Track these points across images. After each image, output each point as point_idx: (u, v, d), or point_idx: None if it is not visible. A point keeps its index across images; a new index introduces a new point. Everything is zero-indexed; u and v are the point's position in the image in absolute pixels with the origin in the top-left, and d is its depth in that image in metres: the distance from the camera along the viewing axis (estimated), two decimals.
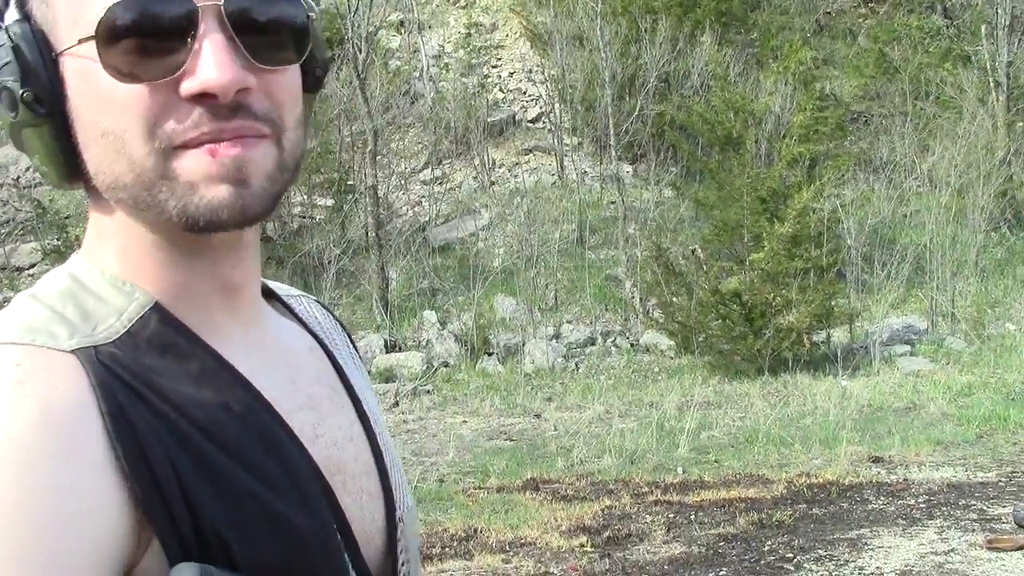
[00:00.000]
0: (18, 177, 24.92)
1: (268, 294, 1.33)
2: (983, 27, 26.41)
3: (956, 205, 21.57)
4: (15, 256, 22.32)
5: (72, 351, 1.02)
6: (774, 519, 9.19)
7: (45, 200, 22.16)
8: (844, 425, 13.10)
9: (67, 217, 21.52)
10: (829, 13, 32.09)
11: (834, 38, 31.05)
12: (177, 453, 1.01)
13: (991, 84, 25.45)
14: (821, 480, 10.56)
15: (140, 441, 0.99)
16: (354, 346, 1.48)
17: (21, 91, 1.05)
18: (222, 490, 1.03)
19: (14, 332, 1.04)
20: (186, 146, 1.03)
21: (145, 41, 1.01)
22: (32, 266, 21.83)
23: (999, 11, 25.98)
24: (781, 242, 18.01)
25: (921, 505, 9.50)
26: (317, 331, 1.37)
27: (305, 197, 23.93)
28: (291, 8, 1.10)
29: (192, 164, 1.04)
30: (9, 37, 1.06)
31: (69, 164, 1.09)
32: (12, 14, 1.09)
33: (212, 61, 1.01)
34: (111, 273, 1.14)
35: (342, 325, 1.48)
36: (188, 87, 1.01)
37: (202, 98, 1.02)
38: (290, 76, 1.11)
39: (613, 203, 23.77)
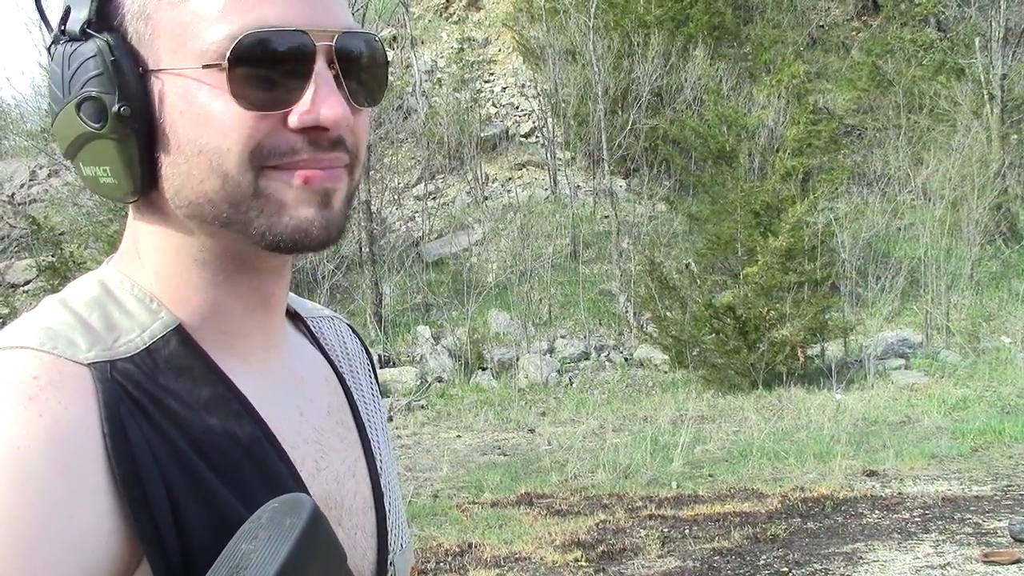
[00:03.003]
0: (13, 194, 24.93)
1: (294, 315, 1.35)
2: (977, 39, 26.44)
3: (950, 218, 21.57)
4: (10, 273, 22.29)
5: (88, 364, 1.04)
6: (769, 533, 9.14)
7: (40, 217, 22.12)
8: (839, 439, 13.06)
9: (62, 234, 21.50)
10: (822, 26, 32.13)
11: (827, 51, 31.07)
12: (175, 474, 1.03)
13: (985, 97, 25.46)
14: (816, 494, 10.52)
15: (138, 462, 1.00)
16: (375, 375, 1.50)
17: (118, 105, 1.06)
18: (215, 516, 1.04)
19: (37, 337, 1.06)
20: (278, 168, 1.09)
21: (268, 72, 1.07)
22: (27, 283, 21.80)
23: (993, 23, 26.00)
24: (775, 256, 17.98)
25: (916, 519, 9.45)
26: (337, 360, 1.38)
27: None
28: (380, 54, 1.17)
29: (283, 187, 1.09)
30: (109, 50, 1.07)
31: (143, 177, 1.10)
32: (82, 24, 1.09)
33: (329, 99, 1.09)
34: (140, 288, 1.15)
35: (368, 353, 1.50)
36: (304, 119, 1.08)
37: (311, 130, 1.09)
38: (367, 115, 1.18)
39: (606, 217, 23.78)
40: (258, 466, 1.11)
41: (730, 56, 27.72)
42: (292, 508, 1.01)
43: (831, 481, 11.05)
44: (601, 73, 23.95)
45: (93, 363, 1.04)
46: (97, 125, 1.07)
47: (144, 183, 1.10)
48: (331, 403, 1.30)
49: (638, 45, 25.89)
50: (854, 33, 31.89)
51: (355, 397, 1.36)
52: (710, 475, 11.93)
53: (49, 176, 25.62)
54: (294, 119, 1.08)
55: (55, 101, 1.10)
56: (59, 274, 19.02)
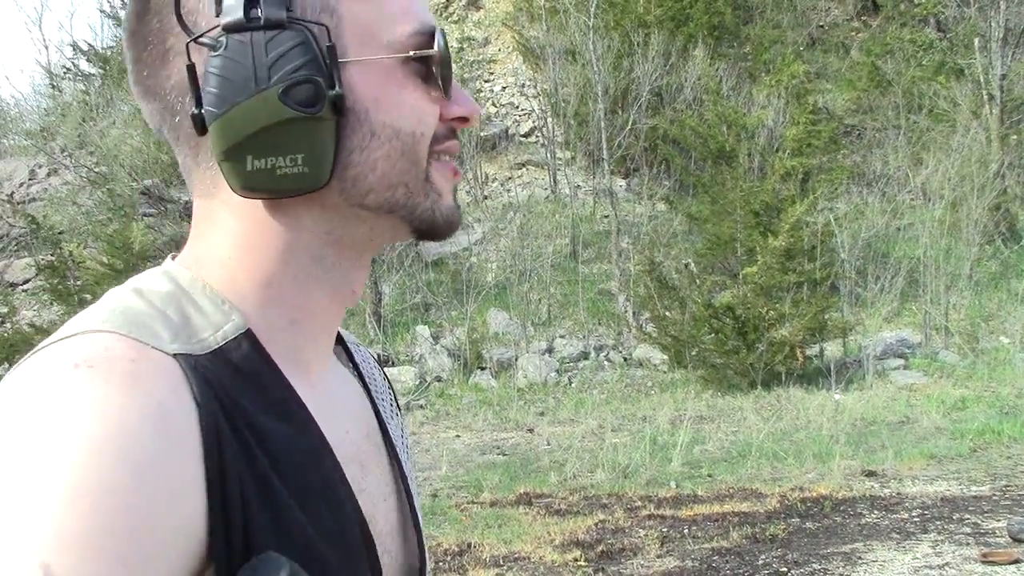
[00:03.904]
0: (12, 193, 24.90)
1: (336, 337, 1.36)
2: (976, 40, 26.42)
3: (950, 218, 21.57)
4: (9, 272, 22.28)
5: (174, 355, 1.03)
6: (768, 533, 9.14)
7: (39, 216, 22.12)
8: (837, 439, 13.06)
9: (61, 233, 21.49)
10: (822, 27, 32.12)
11: (827, 52, 31.07)
12: (247, 478, 1.02)
13: (985, 97, 25.45)
14: (815, 494, 10.52)
15: (224, 460, 1.01)
16: (397, 404, 1.50)
17: (334, 91, 1.10)
18: (277, 523, 1.03)
19: (119, 323, 1.04)
20: (438, 157, 1.20)
21: (441, 67, 1.18)
22: (26, 282, 21.80)
23: (992, 24, 25.99)
24: (774, 256, 17.98)
25: (915, 519, 9.45)
26: (371, 385, 1.40)
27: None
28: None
29: (441, 176, 1.21)
30: (327, 36, 1.12)
31: (331, 163, 1.13)
32: (285, 13, 1.11)
33: (465, 94, 1.22)
34: (211, 289, 1.15)
35: (388, 382, 1.51)
36: (458, 110, 1.21)
37: (456, 120, 1.21)
38: None
39: (606, 217, 23.78)
40: (320, 478, 1.12)
41: (730, 56, 27.73)
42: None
43: (830, 481, 11.05)
44: (601, 73, 23.93)
45: (178, 354, 1.04)
46: (312, 109, 1.09)
47: (330, 169, 1.13)
48: (369, 426, 1.32)
49: (638, 45, 25.88)
50: (854, 33, 31.88)
51: (385, 422, 1.37)
52: (709, 475, 11.93)
53: (48, 175, 25.59)
54: (457, 109, 1.20)
55: (234, 92, 1.08)
56: (58, 273, 19.03)
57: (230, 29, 1.07)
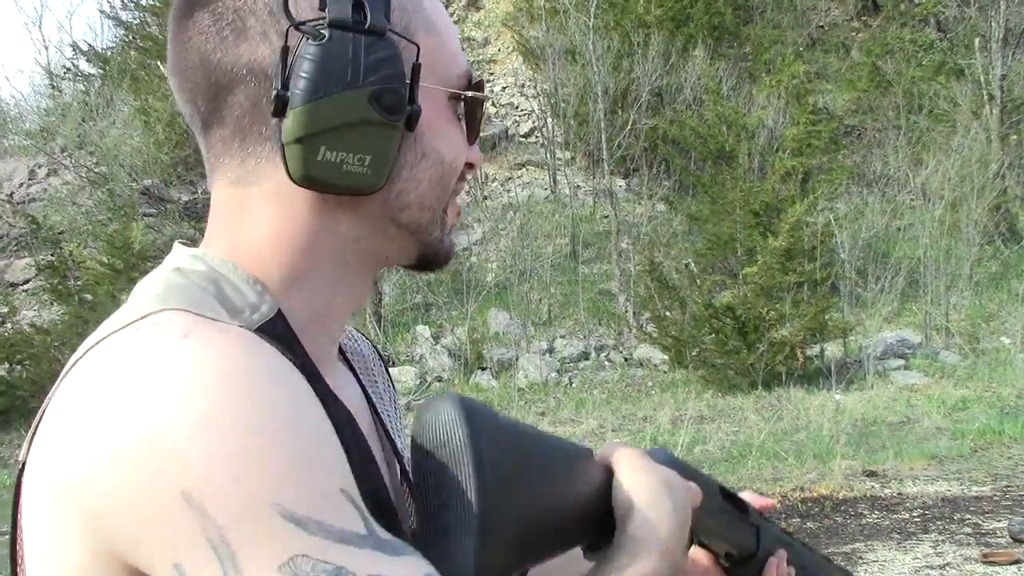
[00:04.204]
0: (12, 193, 24.90)
1: None
2: (977, 40, 26.38)
3: (950, 219, 21.53)
4: (9, 272, 22.28)
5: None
6: None
7: (39, 216, 22.13)
8: (838, 439, 13.05)
9: (61, 233, 21.49)
10: (822, 27, 32.09)
11: (827, 52, 31.03)
12: None
13: (985, 97, 25.42)
14: (815, 494, 10.52)
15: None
16: (390, 378, 1.57)
17: (412, 107, 1.18)
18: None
19: (183, 300, 1.09)
20: (454, 192, 1.30)
21: (475, 112, 1.31)
22: (26, 282, 21.79)
23: (993, 24, 25.96)
24: (774, 256, 17.96)
25: (916, 519, 9.45)
26: (364, 380, 1.45)
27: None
28: None
29: (451, 210, 1.30)
30: (417, 55, 1.19)
31: (389, 172, 1.19)
32: (387, 24, 1.18)
33: (476, 144, 1.34)
34: (245, 270, 1.19)
35: (379, 354, 1.56)
36: (473, 156, 1.32)
37: (469, 167, 1.32)
38: None
39: (606, 217, 23.75)
40: (359, 451, 1.17)
41: (730, 56, 27.70)
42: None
43: (830, 481, 11.04)
44: (601, 73, 23.90)
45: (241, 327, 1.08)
46: (394, 118, 1.16)
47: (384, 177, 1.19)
48: (370, 423, 1.36)
49: (638, 45, 25.85)
50: (854, 33, 31.85)
51: (379, 411, 1.42)
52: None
53: (48, 175, 25.59)
54: (472, 154, 1.31)
55: (327, 83, 1.12)
56: (58, 273, 19.02)
57: (335, 25, 1.13)
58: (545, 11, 27.42)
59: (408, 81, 1.17)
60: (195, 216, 22.61)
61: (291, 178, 1.14)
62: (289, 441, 0.96)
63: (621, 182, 25.99)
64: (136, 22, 29.92)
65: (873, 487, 10.84)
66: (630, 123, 25.01)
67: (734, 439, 13.79)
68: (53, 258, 19.24)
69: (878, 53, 28.66)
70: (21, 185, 25.24)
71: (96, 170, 24.10)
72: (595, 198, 25.54)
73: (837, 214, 20.87)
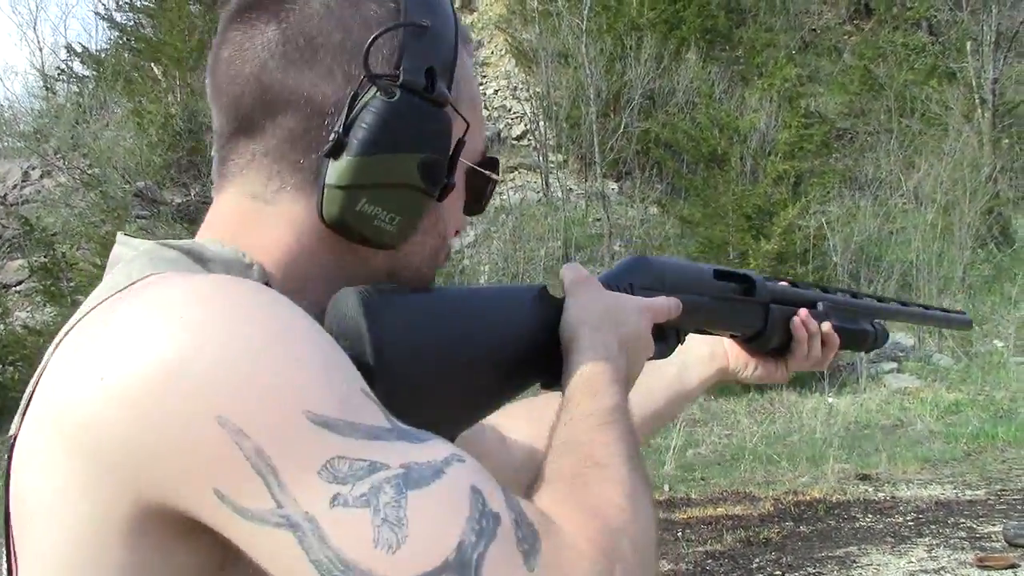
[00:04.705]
0: (5, 195, 24.84)
1: None
2: (968, 44, 26.45)
3: (942, 222, 21.56)
4: (2, 273, 22.23)
5: None
6: (761, 537, 9.14)
7: (33, 218, 22.07)
8: (831, 443, 13.07)
9: (54, 235, 21.42)
10: (814, 30, 32.12)
11: (819, 55, 31.06)
12: None
13: (977, 101, 25.48)
14: (808, 498, 10.52)
15: None
16: None
17: (448, 181, 1.22)
18: None
19: (183, 265, 1.14)
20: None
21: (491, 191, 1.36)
22: (19, 283, 21.73)
23: (985, 28, 26.01)
24: (767, 259, 17.98)
25: (909, 523, 9.45)
26: None
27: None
28: None
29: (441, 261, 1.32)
30: (464, 132, 1.24)
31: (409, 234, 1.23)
32: (448, 98, 1.22)
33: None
34: (231, 245, 1.21)
35: None
36: (461, 225, 1.35)
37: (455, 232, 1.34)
38: None
39: (599, 220, 23.75)
40: None
41: (722, 59, 27.69)
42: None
43: (824, 485, 11.05)
44: (593, 76, 23.92)
45: None
46: (433, 189, 1.20)
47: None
48: None
49: (630, 48, 25.83)
50: (846, 37, 31.89)
51: None
52: (702, 478, 11.92)
53: (42, 177, 25.53)
54: (459, 226, 1.34)
55: (387, 141, 1.16)
56: (51, 275, 18.98)
57: (407, 87, 1.16)
58: (538, 14, 27.41)
59: (451, 155, 1.22)
60: (188, 218, 22.58)
61: (321, 216, 1.17)
62: (308, 351, 0.99)
63: (613, 185, 25.97)
64: (130, 24, 29.85)
65: (866, 491, 10.85)
66: (622, 126, 25.01)
67: (727, 442, 13.80)
68: (46, 260, 19.21)
69: (870, 56, 28.70)
70: (15, 187, 25.17)
71: (89, 172, 24.04)
72: (587, 201, 25.52)
73: (829, 217, 20.90)
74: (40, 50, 61.27)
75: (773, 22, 30.65)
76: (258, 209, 1.22)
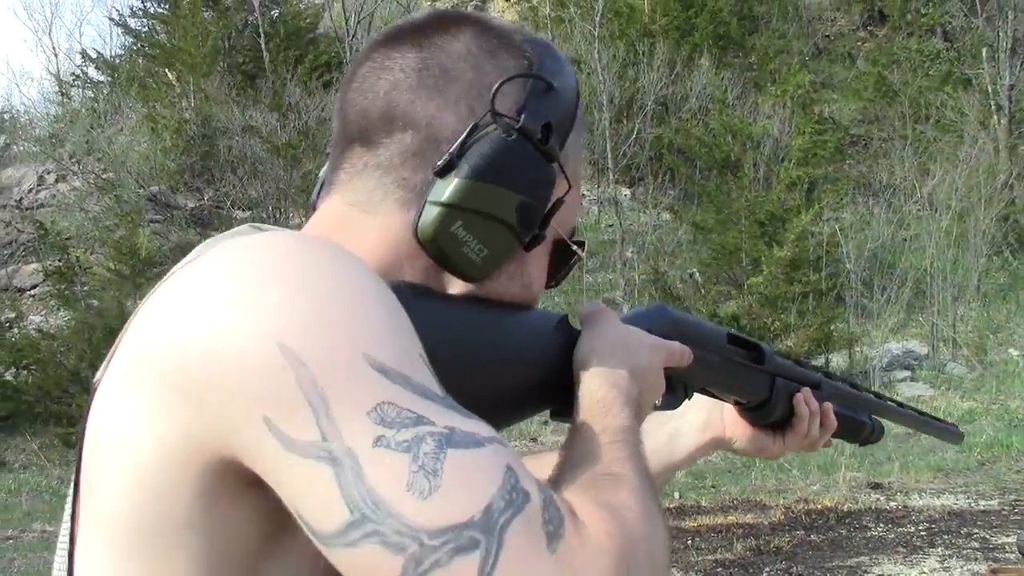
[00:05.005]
0: (20, 199, 24.94)
1: None
2: (984, 50, 26.37)
3: (957, 229, 21.48)
4: (17, 277, 22.30)
5: None
6: (772, 545, 9.10)
7: (47, 222, 22.13)
8: (843, 451, 13.01)
9: (68, 239, 21.47)
10: (828, 36, 32.09)
11: (833, 61, 31.03)
12: None
13: (992, 107, 25.41)
14: (820, 506, 10.49)
15: None
16: None
17: (539, 231, 1.28)
18: None
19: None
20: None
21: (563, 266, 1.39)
22: (34, 287, 21.80)
23: (1000, 34, 25.94)
24: (779, 266, 17.94)
25: (922, 533, 9.41)
26: None
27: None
28: None
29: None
30: (564, 192, 1.31)
31: (492, 272, 1.27)
32: (556, 155, 1.28)
33: None
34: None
35: None
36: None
37: None
38: None
39: (611, 226, 23.72)
40: None
41: (735, 65, 27.67)
42: None
43: (835, 493, 11.01)
44: (606, 82, 23.88)
45: None
46: (525, 233, 1.25)
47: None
48: None
49: (643, 54, 25.82)
50: (860, 43, 31.83)
51: None
52: (713, 486, 11.90)
53: (57, 181, 25.61)
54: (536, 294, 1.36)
55: (493, 172, 1.21)
56: (65, 278, 19.02)
57: (524, 132, 1.22)
58: (550, 20, 27.44)
59: (547, 209, 1.27)
60: (201, 223, 22.62)
61: (415, 231, 1.22)
62: (376, 304, 1.03)
63: (626, 191, 25.97)
64: (144, 30, 29.95)
65: (878, 500, 10.81)
66: (635, 132, 24.99)
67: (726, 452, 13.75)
68: (60, 264, 19.26)
69: (884, 63, 28.64)
70: (30, 191, 25.26)
71: (104, 176, 24.13)
72: (600, 207, 25.52)
73: (843, 224, 20.87)
74: (55, 56, 61.36)
75: (786, 28, 30.63)
76: (357, 217, 1.26)
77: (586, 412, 1.24)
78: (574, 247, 1.36)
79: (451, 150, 1.20)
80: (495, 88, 1.21)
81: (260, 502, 1.03)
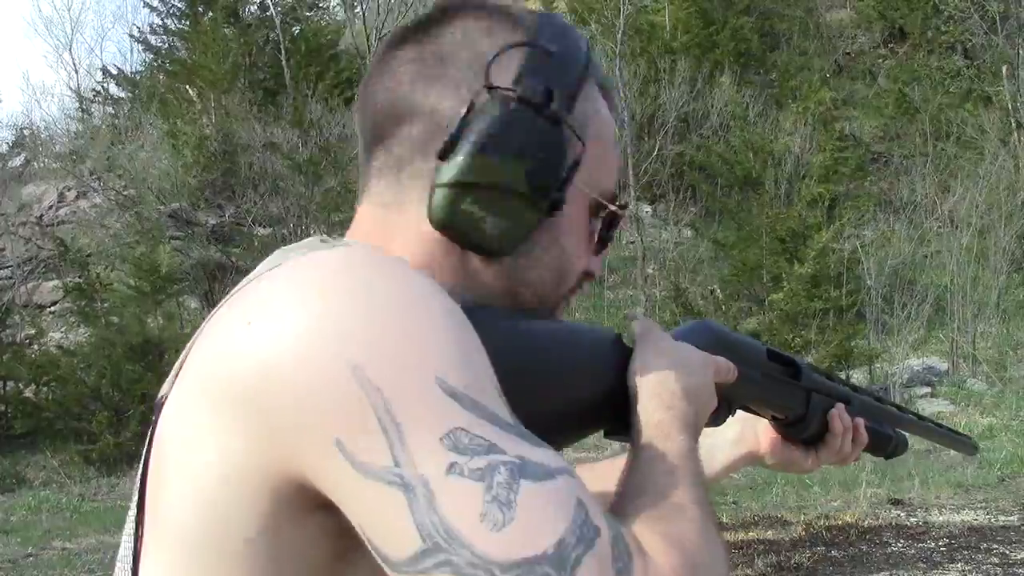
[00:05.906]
0: (41, 215, 25.01)
1: None
2: (1004, 67, 26.33)
3: (977, 246, 21.42)
4: (37, 294, 22.35)
5: None
6: (793, 561, 9.08)
7: (67, 238, 22.20)
8: (863, 467, 12.97)
9: (89, 255, 21.52)
10: (848, 54, 32.08)
11: (854, 79, 31.01)
12: None
13: (1013, 124, 25.35)
14: (840, 522, 10.45)
15: None
16: None
17: (558, 194, 1.24)
18: None
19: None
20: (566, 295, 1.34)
21: (610, 229, 1.36)
22: (54, 303, 21.84)
23: (1020, 51, 25.92)
24: (800, 283, 17.93)
25: (942, 548, 9.38)
26: None
27: (326, 235, 23.93)
28: None
29: (559, 310, 1.35)
30: (580, 154, 1.26)
31: (518, 244, 1.25)
32: (570, 123, 1.25)
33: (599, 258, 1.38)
34: None
35: None
36: (595, 266, 1.36)
37: (587, 275, 1.36)
38: None
39: (632, 243, 23.72)
40: None
41: (756, 83, 27.69)
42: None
43: (856, 509, 10.98)
44: (627, 99, 23.91)
45: None
46: (540, 198, 1.22)
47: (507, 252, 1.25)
48: None
49: (664, 71, 25.87)
50: (881, 60, 31.81)
51: None
52: (734, 502, 11.87)
53: (77, 198, 25.67)
54: (595, 264, 1.35)
55: (495, 144, 1.19)
56: (85, 295, 19.04)
57: (523, 101, 1.20)
58: None
59: (564, 173, 1.23)
60: (222, 240, 22.66)
61: (430, 219, 1.21)
62: (451, 330, 1.03)
63: (647, 208, 25.97)
64: (165, 47, 30.11)
65: (898, 515, 10.78)
66: (657, 149, 25.01)
67: (758, 466, 13.72)
68: (81, 280, 19.27)
69: (905, 80, 28.61)
70: (50, 207, 25.33)
71: (124, 193, 24.17)
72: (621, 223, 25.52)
73: (863, 241, 20.83)
74: (76, 72, 61.53)
75: (807, 46, 30.63)
76: (388, 219, 1.27)
77: (644, 436, 1.24)
78: (610, 206, 1.33)
79: (446, 129, 1.20)
80: (488, 62, 1.20)
81: (327, 523, 1.04)
